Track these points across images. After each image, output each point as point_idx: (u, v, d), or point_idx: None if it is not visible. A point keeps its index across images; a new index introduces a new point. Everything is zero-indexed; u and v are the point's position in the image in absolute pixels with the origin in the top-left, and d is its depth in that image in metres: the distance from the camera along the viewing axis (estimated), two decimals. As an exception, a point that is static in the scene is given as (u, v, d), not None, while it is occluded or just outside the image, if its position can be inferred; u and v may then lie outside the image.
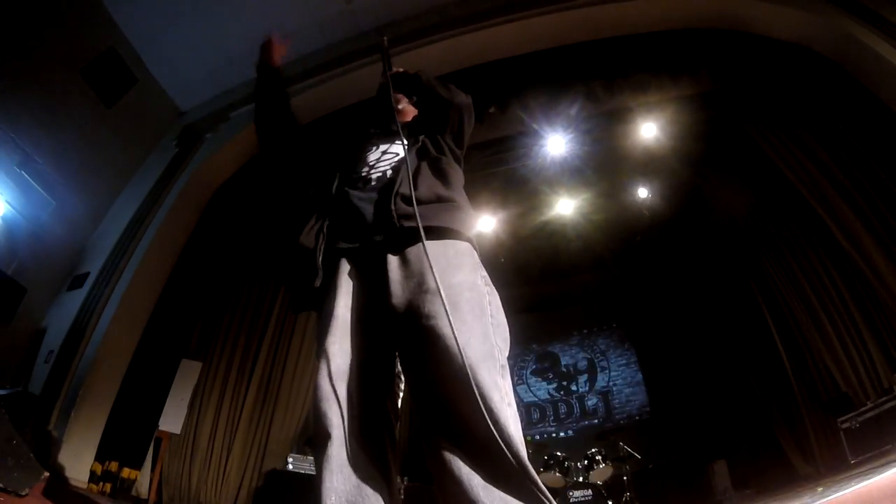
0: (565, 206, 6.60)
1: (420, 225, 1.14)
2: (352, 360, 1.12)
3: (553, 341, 8.44)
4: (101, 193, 5.18)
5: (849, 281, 4.50)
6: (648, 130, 5.56)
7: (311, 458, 4.81)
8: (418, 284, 1.12)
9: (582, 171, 6.05)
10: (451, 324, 0.99)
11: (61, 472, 3.57)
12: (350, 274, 1.25)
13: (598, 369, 7.97)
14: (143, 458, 4.43)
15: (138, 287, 4.57)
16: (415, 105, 1.68)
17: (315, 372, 1.11)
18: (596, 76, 5.06)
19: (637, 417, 7.31)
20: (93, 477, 3.84)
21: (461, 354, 0.96)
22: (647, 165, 6.12)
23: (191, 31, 5.08)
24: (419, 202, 1.22)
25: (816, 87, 4.58)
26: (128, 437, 4.30)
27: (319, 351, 1.14)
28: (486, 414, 0.91)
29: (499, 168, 5.97)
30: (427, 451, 1.00)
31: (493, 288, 1.21)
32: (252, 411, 5.46)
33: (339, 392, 1.06)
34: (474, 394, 0.93)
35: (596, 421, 7.49)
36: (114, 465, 4.02)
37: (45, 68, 4.46)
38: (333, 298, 1.21)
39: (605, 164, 6.13)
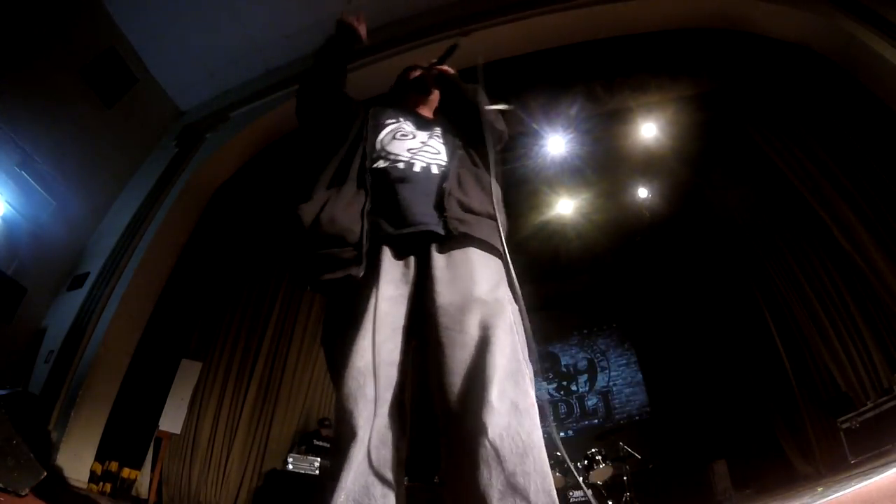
0: (565, 206, 6.60)
1: (471, 234, 1.21)
2: (383, 358, 1.08)
3: (553, 341, 8.44)
4: (101, 193, 5.18)
5: (849, 281, 4.50)
6: (648, 130, 5.56)
7: (310, 457, 4.81)
8: (467, 290, 1.12)
9: (582, 171, 6.05)
10: (502, 333, 1.06)
11: (61, 472, 3.57)
12: (393, 265, 1.20)
13: (598, 369, 7.97)
14: (143, 458, 4.43)
15: (138, 287, 4.57)
16: (442, 107, 1.66)
17: (344, 367, 1.06)
18: (596, 76, 5.06)
19: (637, 417, 7.31)
20: (93, 477, 3.84)
21: (506, 363, 1.02)
22: (647, 165, 6.12)
23: (191, 31, 5.08)
24: (473, 212, 1.26)
25: (817, 87, 4.57)
26: (128, 437, 4.30)
27: (350, 345, 1.08)
28: (524, 422, 0.98)
29: (499, 168, 5.97)
30: (446, 451, 1.01)
31: (519, 305, 1.23)
32: (252, 411, 5.46)
33: (367, 391, 1.03)
34: (514, 403, 0.99)
35: (596, 421, 7.49)
36: (114, 465, 4.02)
37: (45, 68, 4.46)
38: (373, 288, 1.14)
39: (605, 164, 6.13)
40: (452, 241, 1.21)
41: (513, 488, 0.91)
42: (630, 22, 4.74)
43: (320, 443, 5.37)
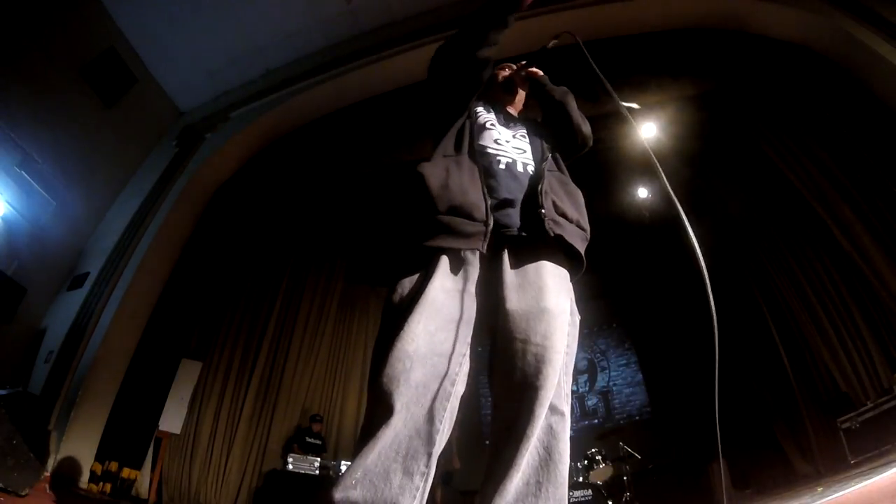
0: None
1: (565, 237, 1.21)
2: (433, 347, 1.04)
3: (553, 341, 8.41)
4: (101, 193, 5.18)
5: (849, 281, 4.50)
6: (648, 130, 5.56)
7: (310, 457, 4.81)
8: (535, 299, 1.13)
9: (582, 171, 6.04)
10: (560, 347, 1.10)
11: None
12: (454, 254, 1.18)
13: (598, 369, 7.96)
14: (143, 458, 4.43)
15: (138, 287, 4.57)
16: (543, 115, 1.64)
17: (390, 349, 1.02)
18: (595, 76, 5.05)
19: (637, 417, 7.30)
20: (93, 477, 3.84)
21: (556, 376, 1.07)
22: (648, 165, 6.11)
23: (191, 31, 5.08)
24: (567, 218, 1.27)
25: (816, 86, 4.57)
26: (128, 437, 4.30)
27: (400, 328, 1.04)
28: (561, 434, 1.08)
29: None
30: (493, 445, 1.07)
31: (577, 320, 1.23)
32: (252, 411, 5.46)
33: (412, 376, 0.99)
34: (554, 417, 1.08)
35: (596, 421, 7.48)
36: (114, 465, 4.02)
37: (45, 68, 4.46)
38: (429, 275, 1.11)
39: (605, 164, 6.13)
40: (531, 245, 1.21)
41: (527, 498, 1.01)
42: (630, 22, 4.74)
43: (312, 440, 5.38)
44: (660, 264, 7.62)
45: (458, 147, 1.33)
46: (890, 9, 3.81)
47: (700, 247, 1.11)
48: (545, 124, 1.58)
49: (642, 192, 6.55)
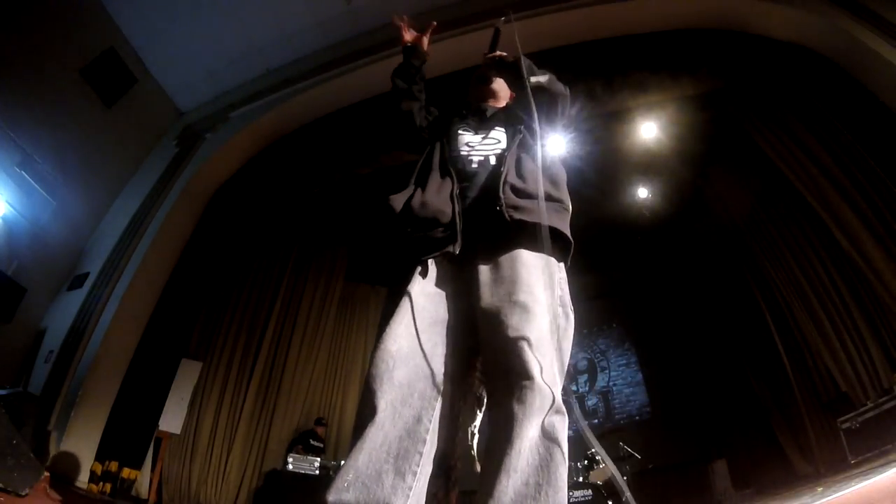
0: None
1: (527, 219, 1.16)
2: (415, 347, 1.06)
3: (553, 341, 8.40)
4: (101, 193, 5.18)
5: (849, 281, 4.50)
6: (648, 130, 5.56)
7: (310, 457, 4.81)
8: (507, 294, 1.10)
9: (582, 171, 6.05)
10: (527, 338, 1.02)
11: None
12: (436, 261, 1.20)
13: (598, 369, 7.96)
14: (143, 458, 4.44)
15: (138, 287, 4.57)
16: (512, 91, 1.65)
17: (376, 349, 1.05)
18: (596, 76, 5.05)
19: (637, 417, 7.30)
20: (93, 477, 3.84)
21: (530, 371, 1.00)
22: (648, 165, 6.11)
23: (191, 31, 5.08)
24: (529, 196, 1.21)
25: (816, 86, 4.58)
26: (128, 437, 4.30)
27: (384, 329, 1.08)
28: (562, 433, 1.00)
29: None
30: (485, 454, 1.03)
31: (571, 313, 1.18)
32: (252, 411, 5.47)
33: (395, 375, 1.01)
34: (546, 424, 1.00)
35: (596, 421, 7.48)
36: (114, 465, 4.02)
37: (45, 68, 4.46)
38: (411, 281, 1.16)
39: (605, 164, 6.13)
40: (501, 238, 1.18)
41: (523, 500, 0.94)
42: (630, 22, 4.74)
43: (316, 443, 5.38)
44: (660, 264, 7.63)
45: (427, 167, 1.37)
46: (890, 9, 3.81)
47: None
48: (516, 98, 1.58)
49: (642, 192, 6.55)
